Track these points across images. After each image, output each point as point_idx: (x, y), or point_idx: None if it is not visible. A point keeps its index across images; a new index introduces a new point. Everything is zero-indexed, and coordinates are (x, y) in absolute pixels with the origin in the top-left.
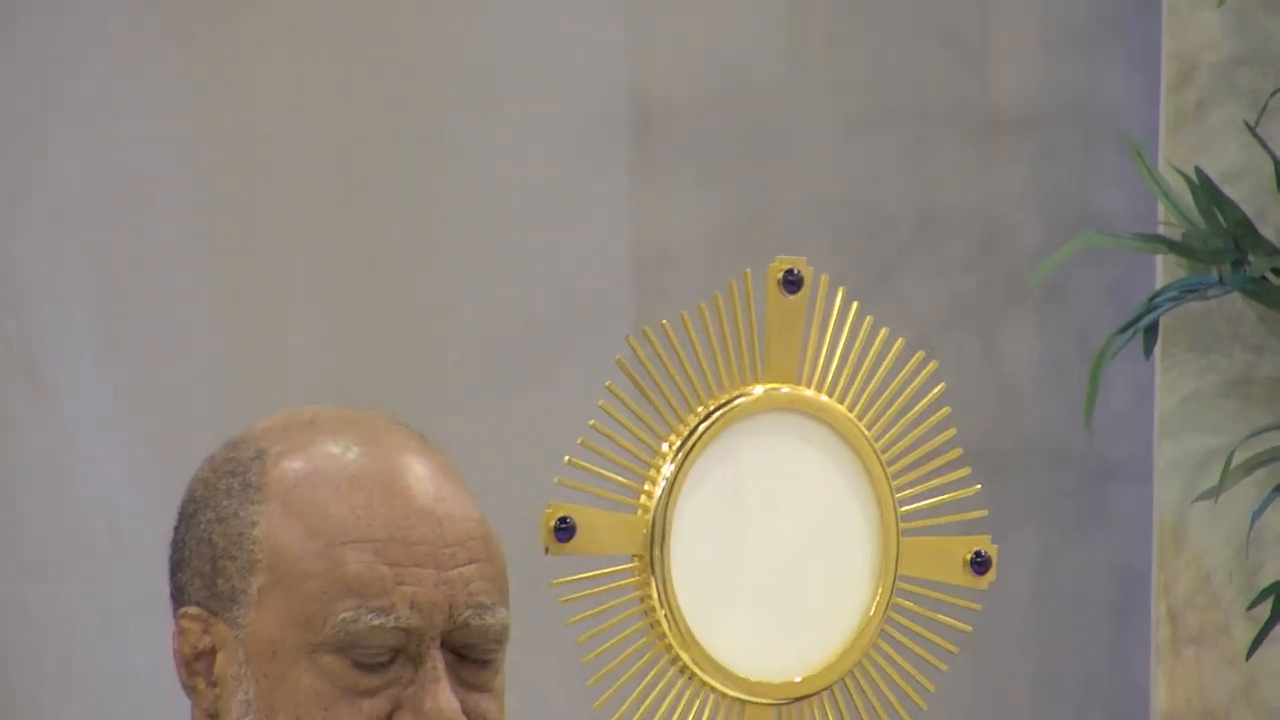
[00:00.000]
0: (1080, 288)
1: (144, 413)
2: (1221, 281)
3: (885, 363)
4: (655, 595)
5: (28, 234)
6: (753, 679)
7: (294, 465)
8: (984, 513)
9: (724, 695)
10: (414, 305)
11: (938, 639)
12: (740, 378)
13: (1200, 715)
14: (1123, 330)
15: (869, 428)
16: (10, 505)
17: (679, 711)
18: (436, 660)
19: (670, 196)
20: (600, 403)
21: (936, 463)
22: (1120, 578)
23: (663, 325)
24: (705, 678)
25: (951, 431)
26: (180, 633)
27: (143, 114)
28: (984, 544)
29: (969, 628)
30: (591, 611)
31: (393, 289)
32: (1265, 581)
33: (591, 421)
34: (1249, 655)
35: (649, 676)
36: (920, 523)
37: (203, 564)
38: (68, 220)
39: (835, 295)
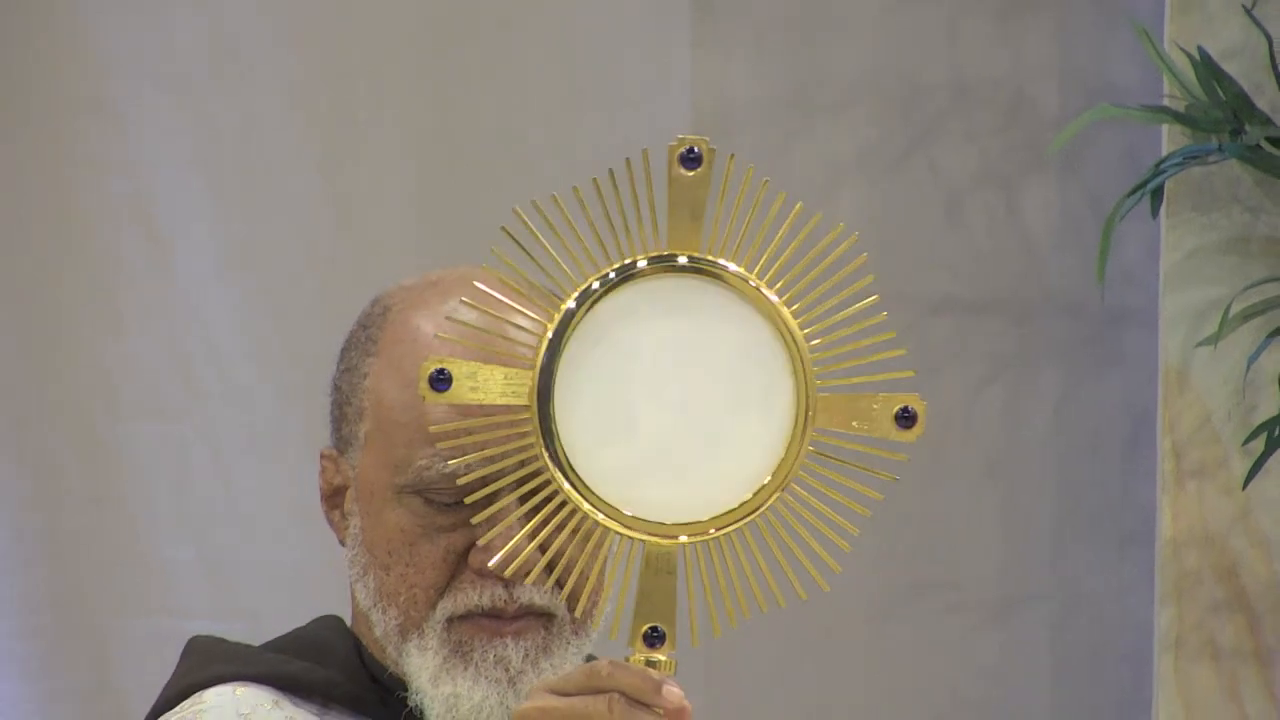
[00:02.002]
0: (1095, 154)
1: (249, 266)
2: (1221, 149)
3: (800, 234)
4: (542, 445)
5: (143, 102)
6: (646, 519)
7: (404, 321)
8: (911, 373)
9: (622, 535)
10: (497, 167)
11: (863, 488)
12: (641, 248)
13: (1201, 540)
14: (1132, 192)
15: (781, 294)
16: (127, 351)
17: (572, 547)
18: (509, 503)
19: (727, 67)
20: (484, 266)
21: (861, 325)
22: (1130, 415)
23: (553, 198)
24: (599, 518)
25: (875, 298)
26: (321, 470)
27: None
28: (911, 400)
29: (894, 477)
30: (479, 454)
31: (478, 151)
32: (1259, 419)
33: (476, 281)
34: (1244, 486)
35: (541, 514)
36: (843, 380)
37: (335, 409)
38: (180, 89)
39: (743, 173)
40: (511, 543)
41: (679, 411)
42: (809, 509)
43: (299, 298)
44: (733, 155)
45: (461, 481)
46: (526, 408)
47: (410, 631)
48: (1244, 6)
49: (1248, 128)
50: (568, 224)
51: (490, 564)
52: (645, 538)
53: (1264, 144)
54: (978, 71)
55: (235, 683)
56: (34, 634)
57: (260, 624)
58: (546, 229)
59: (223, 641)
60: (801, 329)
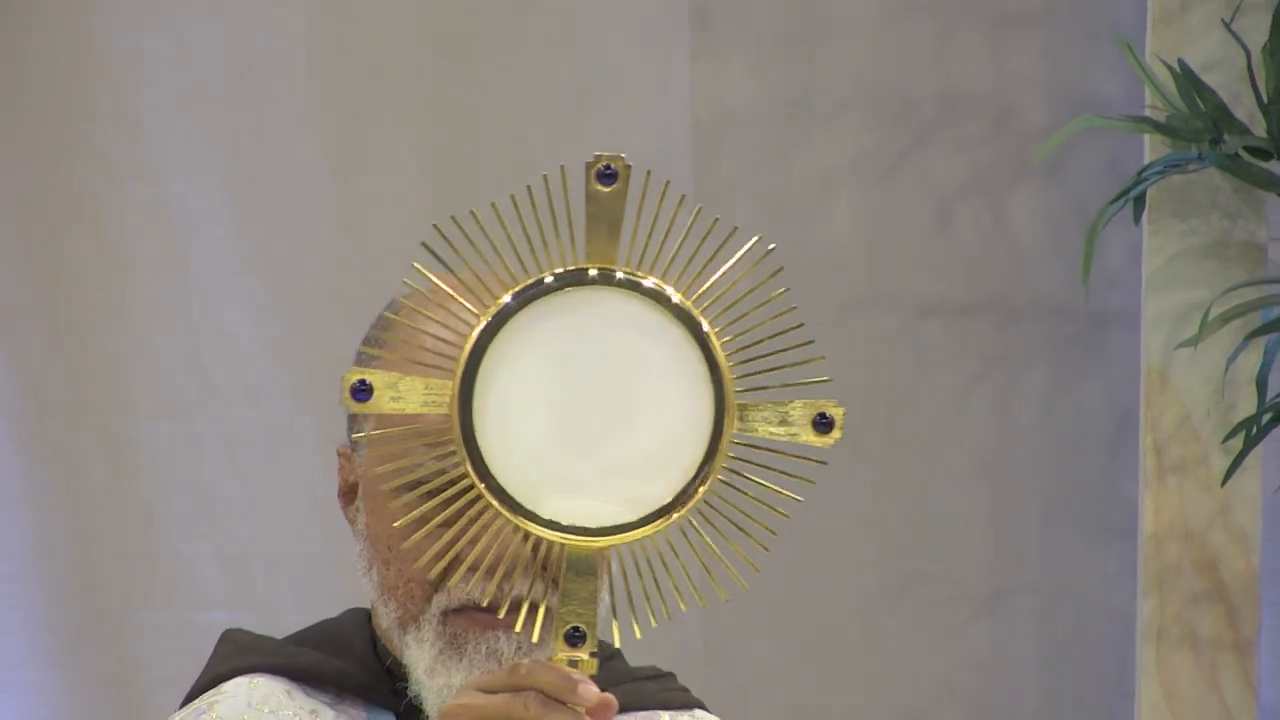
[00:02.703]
0: (1079, 162)
1: (263, 270)
2: (1200, 158)
3: (717, 247)
4: (465, 449)
5: (161, 114)
6: (567, 523)
7: (406, 324)
8: (830, 379)
9: (544, 539)
10: (503, 172)
11: (783, 490)
12: (560, 261)
13: (1181, 534)
14: (1116, 200)
15: (699, 304)
16: (146, 352)
17: (494, 549)
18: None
19: (726, 79)
20: (405, 280)
21: (780, 332)
22: (1113, 414)
23: (472, 213)
24: (521, 523)
25: (793, 308)
26: (339, 468)
27: (262, 8)
28: (829, 405)
29: (813, 480)
30: (400, 462)
31: (485, 156)
32: (1238, 418)
33: (400, 297)
34: (1224, 482)
35: (464, 518)
36: (764, 387)
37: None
38: (197, 98)
39: (660, 188)
40: (438, 546)
41: (597, 420)
42: (729, 514)
43: (311, 298)
44: (649, 171)
45: (388, 487)
46: (448, 416)
47: (409, 624)
48: (1223, 21)
49: (1226, 137)
50: (486, 239)
51: (416, 565)
52: (565, 540)
53: (1242, 153)
54: (966, 84)
55: (253, 674)
56: (58, 626)
57: (273, 616)
58: (479, 241)
59: (249, 634)
60: (720, 337)
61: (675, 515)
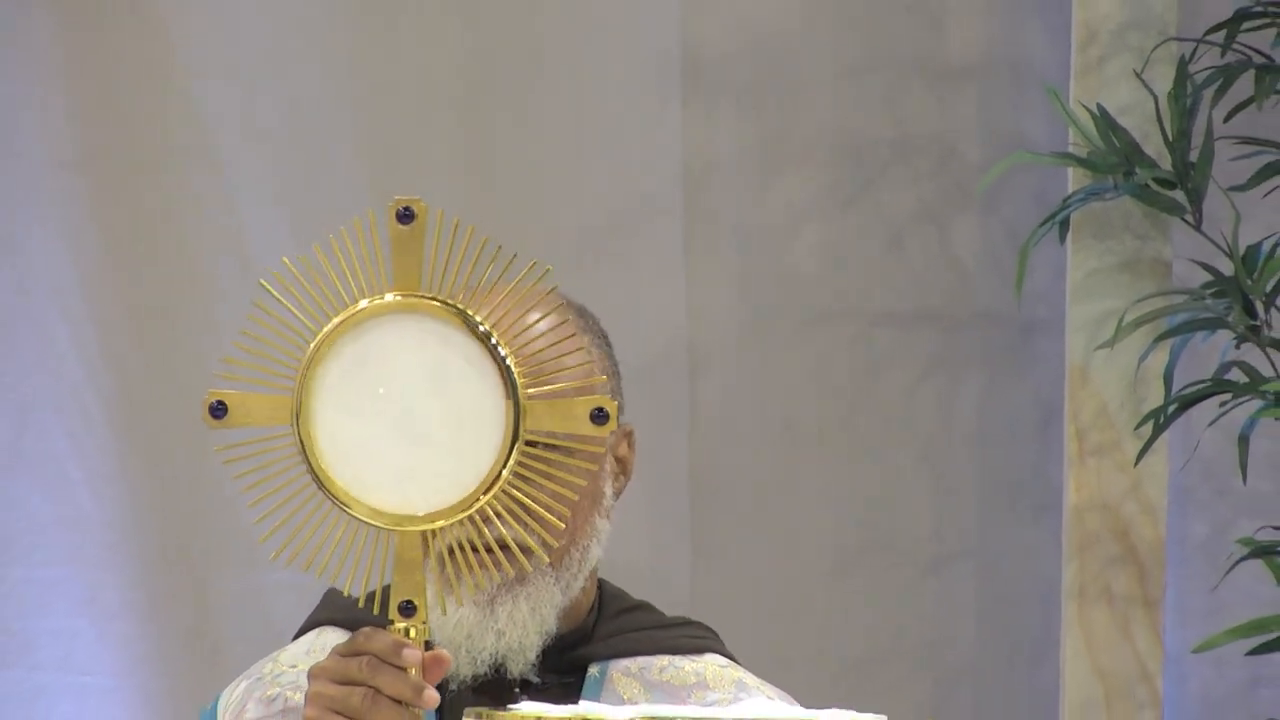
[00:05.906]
0: (1012, 193)
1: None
2: (1116, 188)
3: (503, 269)
4: (304, 455)
5: (235, 151)
6: (394, 513)
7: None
8: (604, 379)
9: (376, 528)
10: (520, 206)
11: (570, 476)
12: (372, 289)
13: (1100, 507)
14: (1044, 224)
15: (487, 321)
16: (221, 353)
17: (336, 539)
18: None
19: (711, 125)
20: (249, 314)
21: (557, 342)
22: (1042, 406)
23: (295, 259)
24: (355, 515)
25: (566, 320)
26: None
27: (315, 62)
28: (604, 402)
29: (595, 466)
30: (254, 468)
31: (503, 191)
32: (1147, 408)
33: (246, 327)
34: (1136, 463)
35: (309, 513)
36: (548, 388)
37: None
38: (265, 140)
39: (452, 223)
40: (290, 531)
41: (413, 423)
42: (524, 494)
43: None
44: (443, 210)
45: (245, 489)
46: (288, 428)
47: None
48: (1135, 72)
49: (1138, 170)
50: (311, 273)
51: (285, 562)
52: (391, 528)
53: (1151, 184)
54: (915, 128)
55: (325, 626)
56: (148, 585)
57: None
58: (305, 276)
59: (338, 591)
60: (509, 347)
61: (483, 500)
